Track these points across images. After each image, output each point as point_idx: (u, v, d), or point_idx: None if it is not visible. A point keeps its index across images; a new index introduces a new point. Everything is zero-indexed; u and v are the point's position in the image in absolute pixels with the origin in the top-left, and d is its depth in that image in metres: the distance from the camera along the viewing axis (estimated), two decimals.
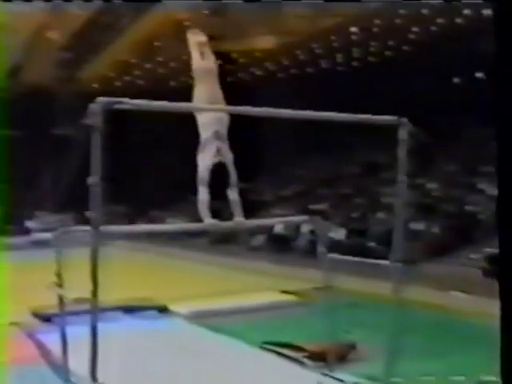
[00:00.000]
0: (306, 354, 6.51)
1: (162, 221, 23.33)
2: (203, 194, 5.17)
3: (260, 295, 9.82)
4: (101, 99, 3.59)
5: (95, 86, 25.64)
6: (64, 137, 27.47)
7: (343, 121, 5.68)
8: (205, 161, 5.19)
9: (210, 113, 5.25)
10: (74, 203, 22.31)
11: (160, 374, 5.86)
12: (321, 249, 6.30)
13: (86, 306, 4.74)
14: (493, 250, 13.33)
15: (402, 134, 5.22)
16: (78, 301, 4.29)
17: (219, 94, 5.47)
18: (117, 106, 3.61)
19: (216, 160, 5.19)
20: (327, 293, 6.48)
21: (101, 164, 3.62)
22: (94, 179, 3.63)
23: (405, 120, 5.28)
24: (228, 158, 5.30)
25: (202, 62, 5.58)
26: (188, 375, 5.98)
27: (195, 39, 5.78)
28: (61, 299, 4.77)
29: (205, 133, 5.30)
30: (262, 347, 6.91)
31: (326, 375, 5.93)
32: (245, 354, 6.76)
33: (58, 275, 4.67)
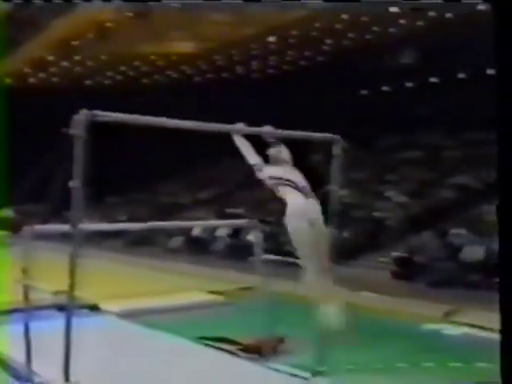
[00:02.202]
0: (240, 347, 7.03)
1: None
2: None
3: (188, 295, 10.23)
4: (84, 111, 3.96)
5: (9, 81, 25.09)
6: None
7: (279, 136, 6.15)
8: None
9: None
10: None
11: (103, 370, 6.13)
12: (257, 251, 6.82)
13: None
14: (399, 253, 14.43)
15: (336, 149, 5.87)
16: (57, 294, 4.53)
17: None
18: (99, 119, 3.99)
19: None
20: (254, 293, 7.00)
21: (82, 169, 3.99)
22: (76, 183, 3.99)
23: (338, 137, 5.93)
24: None
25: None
26: (131, 370, 6.31)
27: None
28: (26, 294, 5.01)
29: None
30: (198, 342, 7.34)
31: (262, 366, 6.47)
32: (183, 347, 7.19)
33: (25, 271, 4.91)
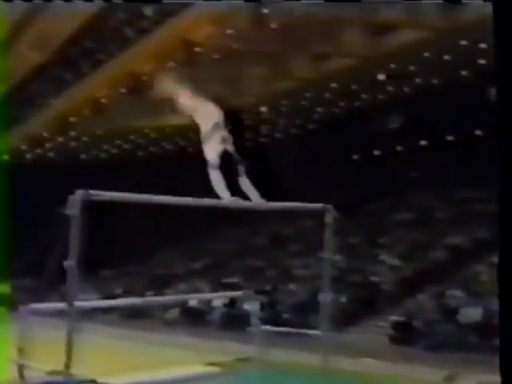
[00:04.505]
0: None
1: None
2: (217, 176, 5.51)
3: (185, 367, 10.09)
4: (79, 192, 4.10)
5: (5, 157, 25.56)
6: None
7: (272, 209, 6.24)
8: (212, 148, 5.58)
9: (211, 106, 5.75)
10: None
11: None
12: (255, 321, 6.84)
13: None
14: (396, 317, 14.36)
15: (328, 218, 6.02)
16: (51, 374, 4.55)
17: None
18: (94, 198, 4.13)
19: (222, 147, 5.58)
20: (252, 363, 6.97)
21: (78, 248, 4.09)
22: (71, 262, 4.09)
23: (330, 206, 6.09)
24: (231, 146, 5.65)
25: None
26: None
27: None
28: (21, 373, 5.02)
29: (205, 126, 5.75)
30: None
31: None
32: None
33: (20, 350, 4.93)
